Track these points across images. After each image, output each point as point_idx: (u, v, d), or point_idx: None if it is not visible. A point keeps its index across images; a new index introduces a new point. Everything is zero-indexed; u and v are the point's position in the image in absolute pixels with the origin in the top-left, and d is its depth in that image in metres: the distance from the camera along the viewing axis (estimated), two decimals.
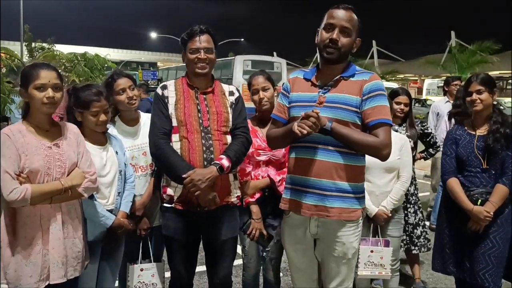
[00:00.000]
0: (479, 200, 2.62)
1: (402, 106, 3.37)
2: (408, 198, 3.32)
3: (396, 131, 3.23)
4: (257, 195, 2.61)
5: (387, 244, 2.79)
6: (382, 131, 1.99)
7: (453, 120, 4.01)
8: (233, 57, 16.92)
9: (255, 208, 2.60)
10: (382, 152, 2.00)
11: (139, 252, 2.65)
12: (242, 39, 46.93)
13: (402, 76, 30.42)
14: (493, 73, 25.29)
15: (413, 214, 3.38)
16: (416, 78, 31.41)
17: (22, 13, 20.84)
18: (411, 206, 3.38)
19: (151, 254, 2.68)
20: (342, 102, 2.03)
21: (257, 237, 2.59)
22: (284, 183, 2.52)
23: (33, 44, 21.62)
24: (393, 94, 3.40)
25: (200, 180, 2.19)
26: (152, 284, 2.59)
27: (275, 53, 26.29)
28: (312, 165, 2.04)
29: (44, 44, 19.98)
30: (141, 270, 2.59)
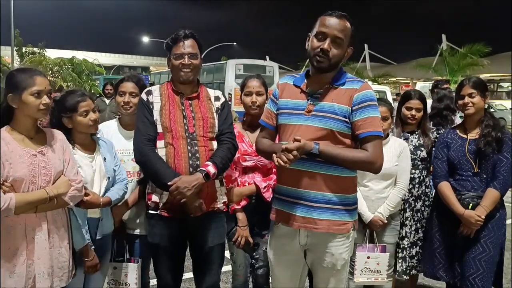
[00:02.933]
0: (470, 204, 2.60)
1: (413, 112, 3.01)
2: (413, 214, 3.02)
3: (407, 139, 3.03)
4: (243, 203, 2.58)
5: (383, 249, 2.76)
6: (372, 144, 1.95)
7: (431, 123, 4.00)
8: (226, 61, 16.93)
9: (240, 216, 2.57)
10: (373, 166, 1.97)
11: (113, 251, 2.58)
12: (235, 43, 47.08)
13: (394, 79, 30.59)
14: (484, 76, 25.53)
15: (414, 232, 3.01)
16: (408, 81, 31.61)
17: (12, 17, 20.66)
18: (415, 223, 3.01)
19: (126, 255, 2.60)
20: (331, 111, 1.98)
21: (243, 245, 2.55)
22: (270, 189, 2.51)
23: (23, 49, 21.46)
24: (404, 97, 3.09)
25: (185, 187, 2.16)
26: (126, 283, 2.53)
27: (267, 57, 26.35)
28: (300, 176, 1.99)
29: (35, 49, 19.85)
30: (114, 268, 2.54)
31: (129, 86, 2.62)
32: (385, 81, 26.99)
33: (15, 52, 20.58)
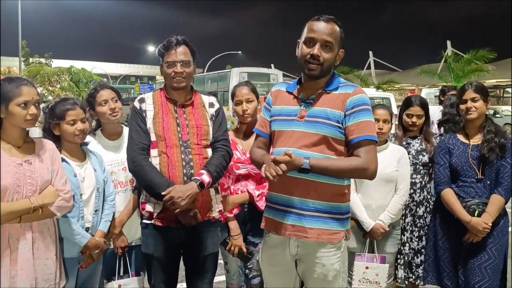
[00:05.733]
0: (476, 211, 2.54)
1: (414, 119, 2.94)
2: (414, 220, 2.95)
3: (409, 144, 2.98)
4: (236, 211, 2.53)
5: (383, 260, 2.68)
6: (365, 149, 1.89)
7: (442, 129, 3.95)
8: (230, 70, 16.99)
9: (233, 225, 2.52)
10: (367, 172, 1.90)
11: (116, 268, 2.55)
12: (240, 52, 47.28)
13: (399, 86, 30.48)
14: (490, 82, 25.35)
15: (417, 239, 2.93)
16: (413, 87, 31.49)
17: (20, 29, 20.92)
18: (417, 230, 2.94)
19: (130, 270, 2.57)
20: (324, 116, 1.93)
21: (237, 254, 2.51)
22: (263, 198, 2.47)
23: (30, 59, 21.71)
24: (405, 104, 3.03)
25: (180, 197, 2.12)
26: None
27: (272, 65, 26.40)
28: (292, 183, 1.92)
29: (42, 59, 20.05)
30: (119, 286, 2.49)
31: (107, 94, 2.56)
32: (390, 88, 26.89)
33: (22, 63, 20.84)
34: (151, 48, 48.05)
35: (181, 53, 2.27)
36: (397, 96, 23.56)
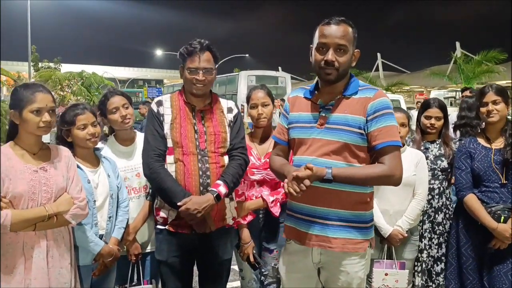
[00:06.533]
0: (502, 217, 2.47)
1: (432, 121, 2.89)
2: (433, 227, 2.88)
3: (427, 149, 2.92)
4: (249, 218, 2.49)
5: (402, 266, 2.62)
6: (389, 156, 1.83)
7: (458, 132, 3.86)
8: (238, 73, 16.98)
9: (244, 232, 2.48)
10: (392, 179, 1.85)
11: (129, 275, 2.51)
12: (247, 55, 47.31)
13: (408, 87, 30.26)
14: (500, 83, 25.02)
15: (436, 247, 2.86)
16: (422, 89, 31.24)
17: (29, 34, 21.11)
18: (436, 237, 2.87)
19: (142, 278, 2.53)
20: (344, 123, 1.87)
21: (246, 260, 2.49)
22: (278, 203, 2.45)
23: (40, 64, 21.87)
24: (423, 106, 2.99)
25: (196, 209, 2.10)
26: None
27: (280, 68, 26.36)
28: (314, 192, 1.85)
29: (51, 64, 20.17)
30: None
31: (117, 100, 2.51)
32: (398, 90, 26.72)
33: (31, 68, 21.01)
34: (159, 52, 48.31)
35: (204, 60, 2.20)
36: (406, 98, 23.35)
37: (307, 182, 1.73)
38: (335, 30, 1.84)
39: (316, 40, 1.89)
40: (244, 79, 15.83)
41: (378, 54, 36.87)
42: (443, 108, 2.94)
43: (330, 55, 1.84)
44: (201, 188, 2.17)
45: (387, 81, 29.62)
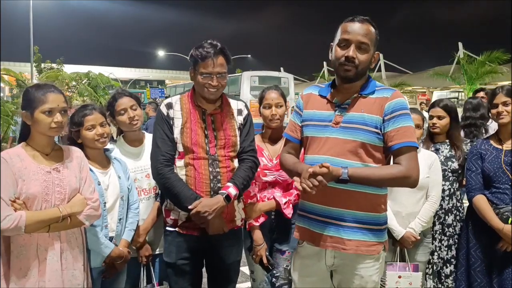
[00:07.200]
0: (510, 219, 2.46)
1: (434, 120, 2.91)
2: (443, 228, 2.87)
3: (437, 150, 2.90)
4: (261, 219, 2.48)
5: (416, 268, 2.60)
6: (406, 157, 1.82)
7: (462, 133, 3.85)
8: (241, 74, 16.97)
9: (257, 234, 2.47)
10: (409, 180, 1.83)
11: (140, 277, 2.51)
12: (249, 55, 47.27)
13: (410, 88, 30.19)
14: (504, 83, 24.94)
15: (446, 249, 2.86)
16: (425, 90, 31.17)
17: (32, 34, 21.14)
18: (446, 239, 2.87)
19: (154, 279, 2.53)
20: (361, 122, 1.86)
21: (258, 261, 2.48)
22: (290, 205, 2.43)
23: (42, 65, 21.87)
24: (430, 107, 3.01)
25: (206, 211, 2.09)
26: None
27: (282, 69, 26.35)
28: (327, 193, 1.83)
29: (54, 65, 20.17)
30: None
31: (125, 102, 2.50)
32: (401, 91, 26.67)
33: (34, 69, 21.03)
34: (161, 53, 48.28)
35: (218, 65, 2.14)
36: (409, 98, 23.32)
37: (320, 178, 1.71)
38: (358, 28, 1.85)
39: (338, 36, 1.89)
40: (247, 80, 15.81)
41: (381, 55, 36.84)
42: (446, 107, 2.91)
43: (351, 51, 1.83)
44: (212, 193, 2.17)
45: (390, 81, 29.55)
